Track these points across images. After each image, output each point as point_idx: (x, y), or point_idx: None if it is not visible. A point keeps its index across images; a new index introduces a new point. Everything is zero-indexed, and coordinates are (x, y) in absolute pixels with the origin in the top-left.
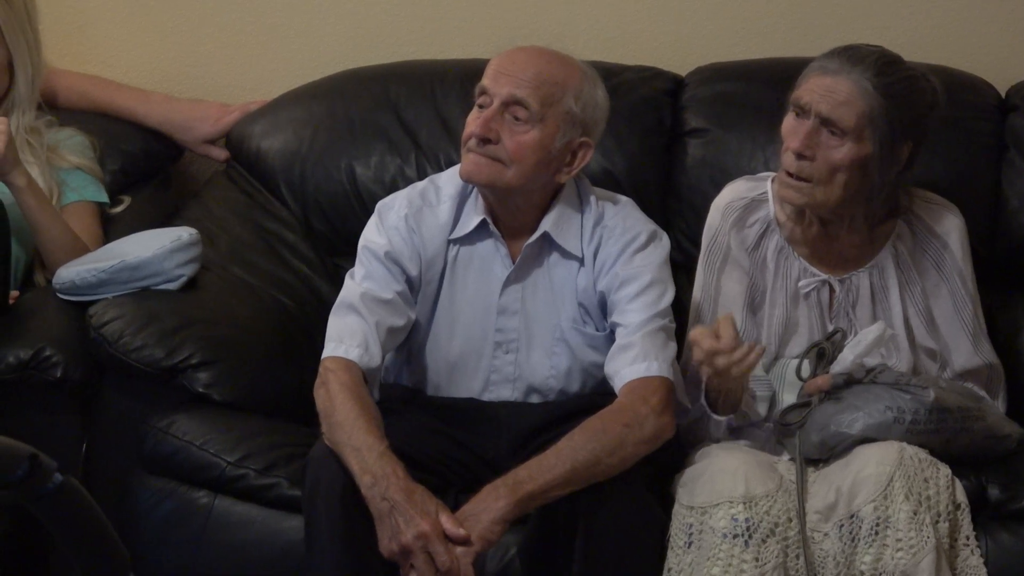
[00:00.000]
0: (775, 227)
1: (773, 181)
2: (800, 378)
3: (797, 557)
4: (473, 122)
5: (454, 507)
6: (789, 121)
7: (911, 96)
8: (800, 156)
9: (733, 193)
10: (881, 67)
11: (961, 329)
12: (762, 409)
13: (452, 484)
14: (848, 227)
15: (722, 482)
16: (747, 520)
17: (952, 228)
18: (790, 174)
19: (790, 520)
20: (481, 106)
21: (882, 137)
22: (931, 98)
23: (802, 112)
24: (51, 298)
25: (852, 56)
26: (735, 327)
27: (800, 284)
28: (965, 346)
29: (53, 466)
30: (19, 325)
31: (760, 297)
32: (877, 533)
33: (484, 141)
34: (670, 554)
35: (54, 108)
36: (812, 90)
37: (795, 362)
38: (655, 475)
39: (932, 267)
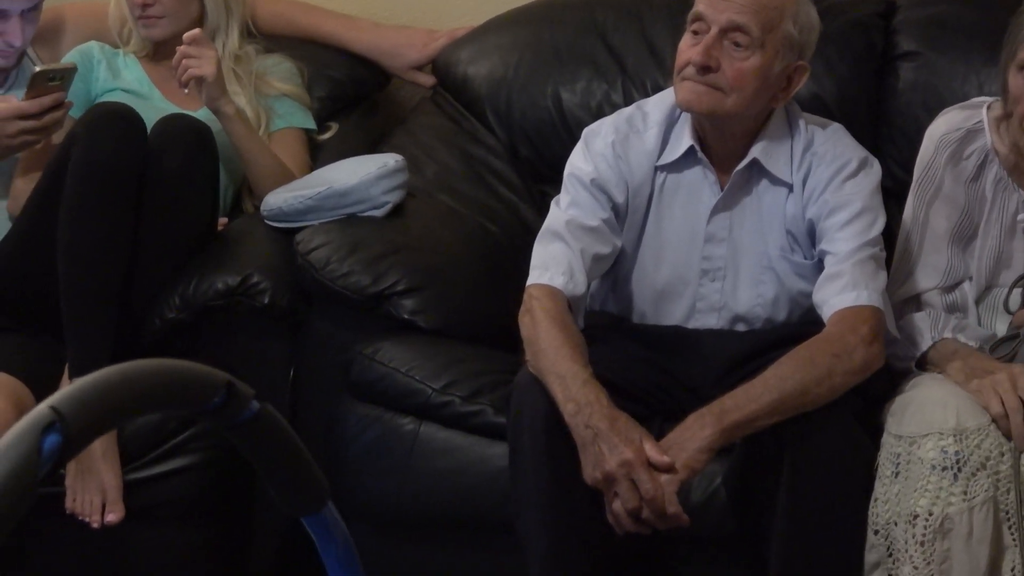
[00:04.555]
0: (993, 157)
1: (988, 108)
2: (1008, 311)
3: (1008, 492)
4: (689, 49)
5: (658, 435)
6: (1018, 82)
7: None
8: None
9: (948, 124)
10: None
11: None
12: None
13: (657, 412)
14: None
15: (932, 412)
16: (957, 453)
17: None
18: None
19: (1002, 455)
20: (696, 32)
21: None
22: None
23: None
24: (259, 225)
25: None
26: None
27: (1019, 217)
28: None
29: (250, 394)
30: (227, 252)
31: (973, 230)
32: None
33: (705, 69)
34: (877, 483)
35: (260, 35)
36: None
37: (1005, 292)
38: (865, 406)
39: None
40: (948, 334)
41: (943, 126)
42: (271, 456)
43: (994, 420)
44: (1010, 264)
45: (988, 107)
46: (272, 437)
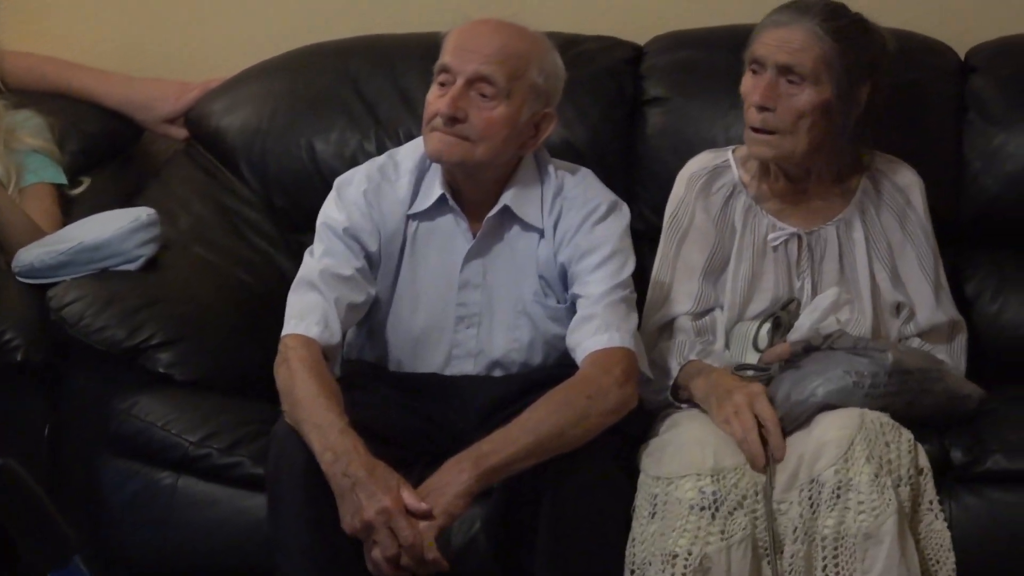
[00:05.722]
0: (741, 188)
1: (734, 151)
2: (757, 349)
3: (766, 529)
4: (436, 100)
5: (419, 481)
6: (747, 80)
7: (863, 38)
8: (762, 108)
9: (696, 165)
10: (828, 13)
11: (925, 284)
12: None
13: (417, 458)
14: (815, 180)
15: (690, 453)
16: (714, 492)
17: (913, 183)
18: (756, 129)
19: (757, 493)
20: (443, 84)
21: (839, 78)
22: (881, 41)
23: (759, 67)
24: (11, 281)
25: (799, 7)
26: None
27: (769, 237)
28: (929, 301)
29: None
30: None
31: (724, 261)
32: (839, 497)
33: (452, 120)
34: (635, 524)
35: (10, 90)
36: (766, 43)
37: (755, 328)
38: (622, 446)
39: (896, 223)
40: (693, 356)
41: (692, 167)
42: (15, 512)
43: (739, 443)
44: (761, 285)
45: (734, 150)
46: (14, 492)
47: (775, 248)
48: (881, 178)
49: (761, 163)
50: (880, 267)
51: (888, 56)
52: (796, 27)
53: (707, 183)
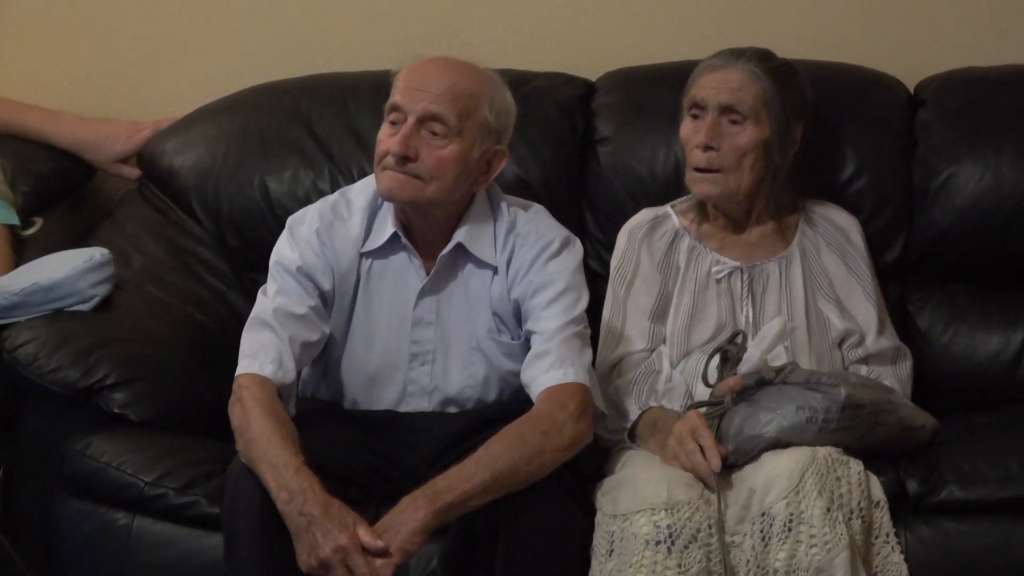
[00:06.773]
0: (684, 232)
1: (673, 206)
2: (707, 384)
3: (720, 562)
4: (387, 139)
5: (374, 519)
6: (687, 124)
7: (793, 79)
8: (707, 148)
9: (637, 219)
10: (761, 56)
11: (871, 314)
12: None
13: (373, 496)
14: (755, 220)
15: (645, 489)
16: (669, 527)
17: (851, 223)
18: (700, 169)
19: (711, 527)
20: (394, 123)
21: (778, 117)
22: (806, 83)
23: (700, 110)
24: None
25: (733, 51)
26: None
27: (713, 271)
28: (873, 330)
29: None
30: None
31: (668, 301)
32: (790, 530)
33: (403, 159)
34: (593, 562)
35: None
36: (705, 86)
37: (703, 362)
38: (577, 483)
39: (840, 259)
40: (653, 403)
41: (632, 222)
42: None
43: (686, 468)
44: (703, 316)
45: (672, 205)
46: None
47: (719, 280)
48: (818, 219)
49: (700, 209)
50: (824, 301)
51: (811, 97)
52: (733, 69)
53: (649, 231)
